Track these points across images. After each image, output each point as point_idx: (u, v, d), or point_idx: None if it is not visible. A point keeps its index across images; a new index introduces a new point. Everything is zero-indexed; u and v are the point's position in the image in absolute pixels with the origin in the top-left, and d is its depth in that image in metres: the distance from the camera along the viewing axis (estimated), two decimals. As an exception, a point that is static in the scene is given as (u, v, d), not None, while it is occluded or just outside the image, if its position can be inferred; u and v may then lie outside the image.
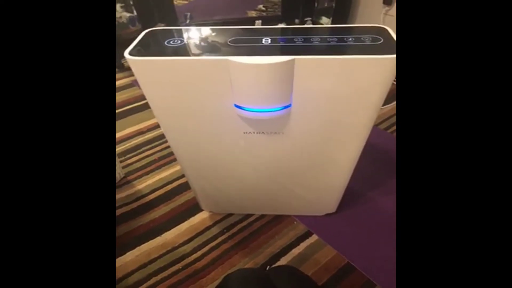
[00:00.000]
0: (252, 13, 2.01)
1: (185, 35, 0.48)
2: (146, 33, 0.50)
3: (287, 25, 1.74)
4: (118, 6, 1.70)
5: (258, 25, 1.70)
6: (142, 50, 0.45)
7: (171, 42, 0.46)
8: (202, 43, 0.47)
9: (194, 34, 0.49)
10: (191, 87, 0.47)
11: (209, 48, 0.46)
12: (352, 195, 0.89)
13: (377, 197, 0.92)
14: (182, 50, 0.45)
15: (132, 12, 1.75)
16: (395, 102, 1.28)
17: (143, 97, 1.31)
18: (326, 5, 1.70)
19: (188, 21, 1.68)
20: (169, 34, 0.49)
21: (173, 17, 1.78)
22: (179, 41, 0.47)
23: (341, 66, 0.43)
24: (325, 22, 1.68)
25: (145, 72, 0.46)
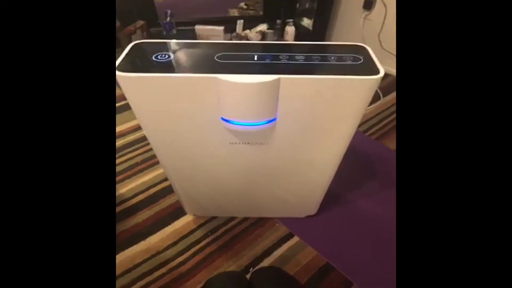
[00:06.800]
0: (234, 11, 2.00)
1: (172, 50, 0.49)
2: (133, 46, 0.50)
3: (269, 25, 1.75)
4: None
5: (240, 25, 1.69)
6: (130, 65, 0.45)
7: (159, 57, 0.47)
8: (189, 59, 0.48)
9: (181, 49, 0.50)
10: (179, 102, 0.48)
11: (196, 63, 0.47)
12: (332, 197, 0.93)
13: (356, 199, 0.96)
14: (170, 66, 0.46)
15: (110, 7, 1.69)
16: (373, 105, 1.34)
17: (123, 97, 1.30)
18: (307, 6, 1.73)
19: (168, 19, 1.65)
20: (156, 48, 0.49)
21: (153, 14, 1.74)
22: (166, 56, 0.47)
23: (324, 85, 0.45)
24: (307, 23, 1.70)
25: (132, 87, 0.46)
